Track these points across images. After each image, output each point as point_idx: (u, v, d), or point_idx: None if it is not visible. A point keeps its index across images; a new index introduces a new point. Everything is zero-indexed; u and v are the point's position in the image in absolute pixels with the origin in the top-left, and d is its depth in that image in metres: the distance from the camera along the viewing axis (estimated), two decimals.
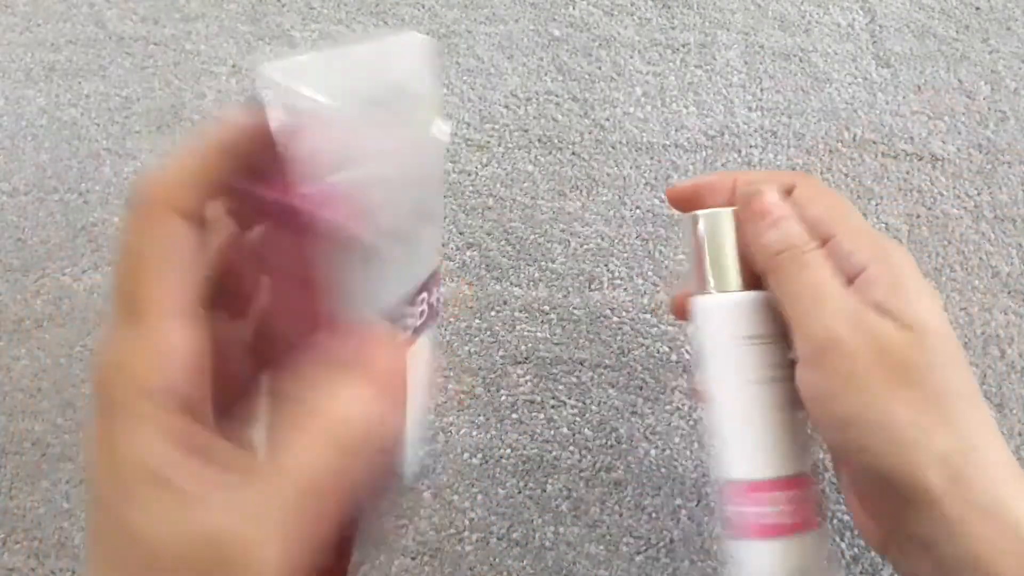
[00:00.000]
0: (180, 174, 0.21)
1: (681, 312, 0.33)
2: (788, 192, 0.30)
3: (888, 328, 0.26)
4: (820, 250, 0.28)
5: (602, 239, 0.47)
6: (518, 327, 0.45)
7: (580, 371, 0.43)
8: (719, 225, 0.31)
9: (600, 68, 0.53)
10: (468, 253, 0.47)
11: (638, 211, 0.48)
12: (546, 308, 0.45)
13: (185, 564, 0.18)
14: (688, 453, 0.41)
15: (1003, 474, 0.25)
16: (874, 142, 0.50)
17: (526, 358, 0.44)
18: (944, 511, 0.24)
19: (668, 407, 0.42)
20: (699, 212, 0.31)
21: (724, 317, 0.30)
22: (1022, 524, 0.24)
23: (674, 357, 0.44)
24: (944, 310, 0.29)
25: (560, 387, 0.43)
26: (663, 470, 0.41)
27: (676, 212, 0.35)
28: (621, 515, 0.40)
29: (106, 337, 0.20)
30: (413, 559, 0.39)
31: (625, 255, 0.47)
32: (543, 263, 0.47)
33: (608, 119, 0.51)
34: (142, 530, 0.18)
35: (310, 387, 0.20)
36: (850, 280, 0.28)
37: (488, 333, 0.44)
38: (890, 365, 0.25)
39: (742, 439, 0.29)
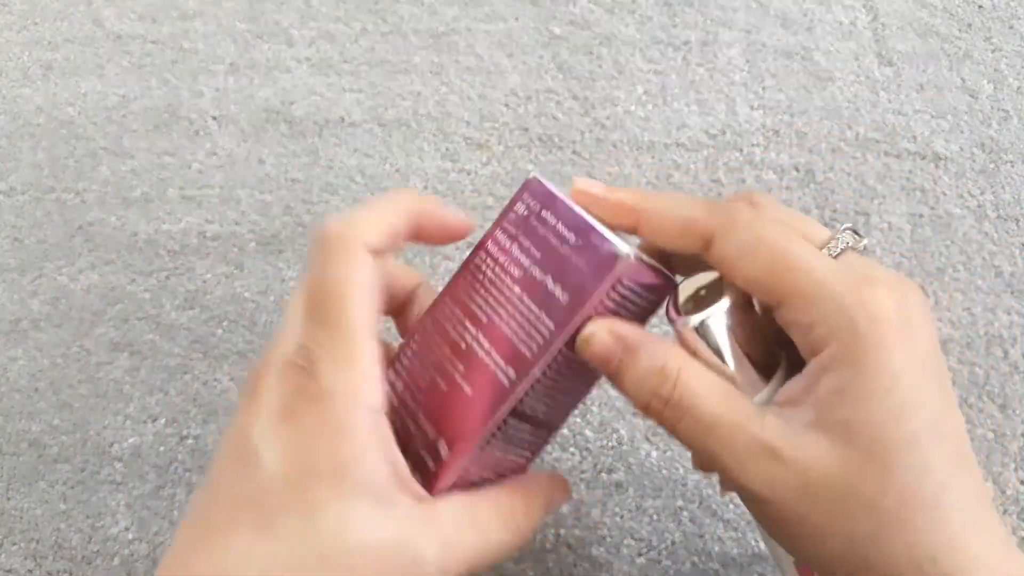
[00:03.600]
0: (375, 221, 0.25)
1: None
2: (707, 246, 0.24)
3: (821, 450, 0.22)
4: (685, 377, 0.23)
5: None
6: None
7: None
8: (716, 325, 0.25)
9: (601, 66, 0.53)
10: (468, 253, 0.46)
11: None
12: None
13: (376, 558, 0.22)
14: (689, 454, 0.41)
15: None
16: (877, 141, 0.50)
17: None
18: None
19: None
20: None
21: None
22: None
23: None
24: (943, 351, 0.25)
25: None
26: (664, 472, 0.41)
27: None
28: (622, 517, 0.40)
29: (306, 344, 0.23)
30: None
31: None
32: None
33: (609, 118, 0.51)
34: (356, 537, 0.22)
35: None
36: (812, 354, 0.23)
37: None
38: (826, 503, 0.22)
39: None
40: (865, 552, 0.21)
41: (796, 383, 0.23)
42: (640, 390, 0.24)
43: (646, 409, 0.24)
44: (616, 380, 0.25)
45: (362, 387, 0.23)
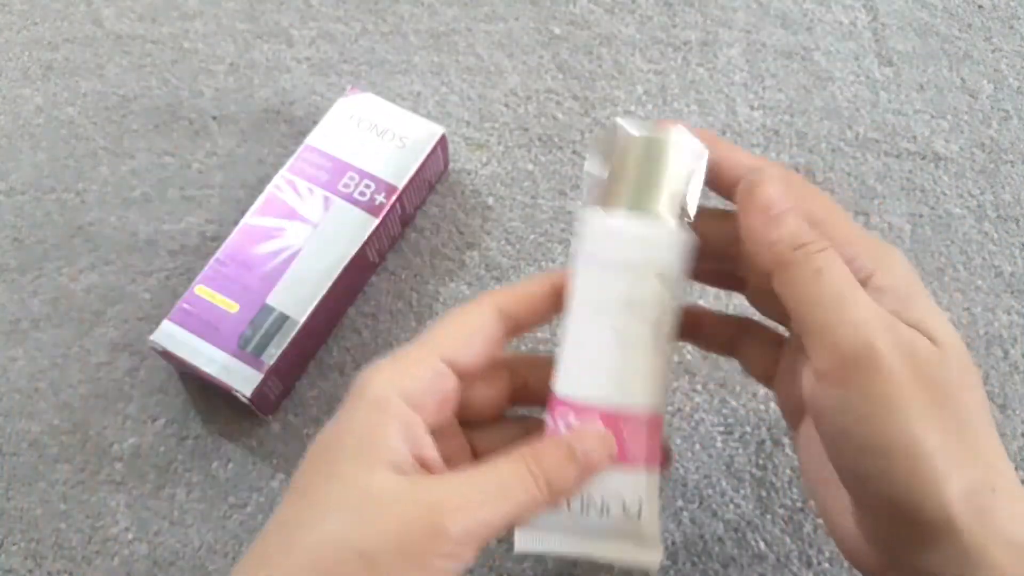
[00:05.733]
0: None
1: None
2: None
3: (923, 343, 0.24)
4: (834, 251, 0.25)
5: None
6: None
7: None
8: (661, 151, 0.28)
9: (601, 66, 0.53)
10: (468, 253, 0.46)
11: None
12: None
13: (405, 527, 0.23)
14: (690, 455, 0.41)
15: (1022, 507, 0.24)
16: (877, 141, 0.50)
17: None
18: (966, 544, 0.23)
19: (669, 408, 0.42)
20: (642, 135, 0.28)
21: (633, 242, 0.27)
22: None
23: (675, 358, 0.43)
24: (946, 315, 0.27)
25: None
26: (664, 472, 0.41)
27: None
28: None
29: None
30: None
31: None
32: (543, 263, 0.46)
33: (609, 117, 0.51)
34: (380, 489, 0.24)
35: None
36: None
37: None
38: (925, 385, 0.23)
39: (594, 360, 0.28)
40: (956, 442, 0.23)
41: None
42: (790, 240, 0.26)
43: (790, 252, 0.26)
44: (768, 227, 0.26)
45: (398, 380, 0.26)
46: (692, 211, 0.28)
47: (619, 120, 0.29)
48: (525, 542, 0.28)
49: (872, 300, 0.25)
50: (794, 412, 0.30)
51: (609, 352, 0.27)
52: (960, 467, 0.23)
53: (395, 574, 0.23)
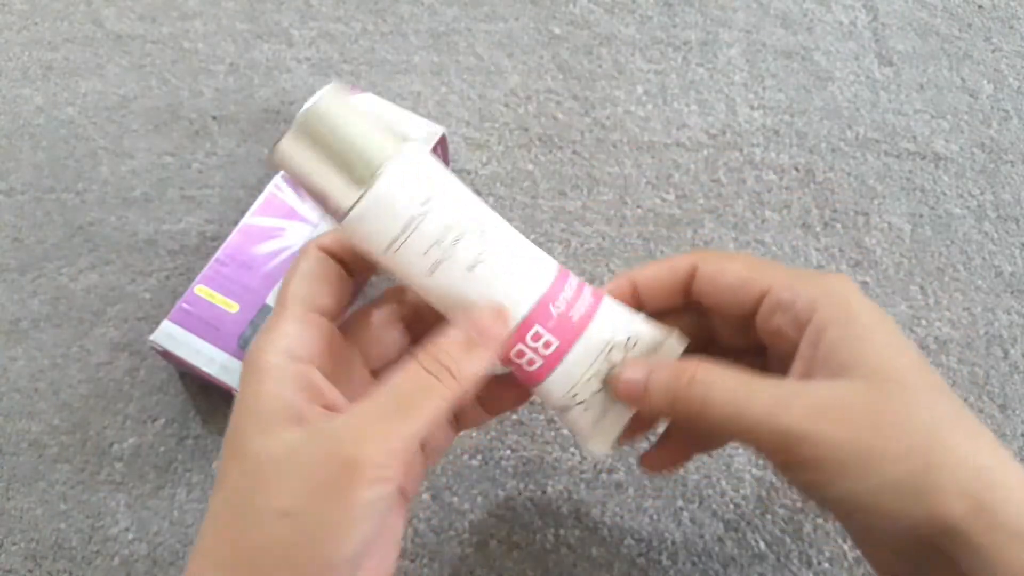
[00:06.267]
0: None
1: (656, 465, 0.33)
2: (691, 275, 0.29)
3: (839, 391, 0.25)
4: (703, 365, 0.26)
5: (603, 238, 0.47)
6: None
7: None
8: (337, 114, 0.25)
9: (601, 66, 0.53)
10: None
11: (639, 210, 0.48)
12: None
13: (313, 471, 0.23)
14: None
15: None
16: (877, 141, 0.50)
17: None
18: (971, 540, 0.23)
19: None
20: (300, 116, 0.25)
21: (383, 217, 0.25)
22: None
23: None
24: (905, 331, 0.27)
25: None
26: (664, 472, 0.41)
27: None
28: (622, 517, 0.40)
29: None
30: (412, 561, 0.39)
31: (626, 255, 0.47)
32: None
33: (609, 117, 0.51)
34: (280, 448, 0.24)
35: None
36: (801, 327, 0.26)
37: None
38: (855, 427, 0.24)
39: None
40: (924, 466, 0.23)
41: (803, 354, 0.26)
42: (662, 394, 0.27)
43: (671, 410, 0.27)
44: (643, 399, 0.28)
45: (274, 342, 0.26)
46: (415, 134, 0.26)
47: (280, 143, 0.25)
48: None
49: (756, 380, 0.26)
50: None
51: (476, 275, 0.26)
52: (952, 466, 0.24)
53: (323, 520, 0.23)
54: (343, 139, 0.25)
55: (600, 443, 0.29)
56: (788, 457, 0.25)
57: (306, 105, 0.25)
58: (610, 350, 0.28)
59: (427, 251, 0.26)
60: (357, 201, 0.25)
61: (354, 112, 0.26)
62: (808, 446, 0.24)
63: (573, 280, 0.28)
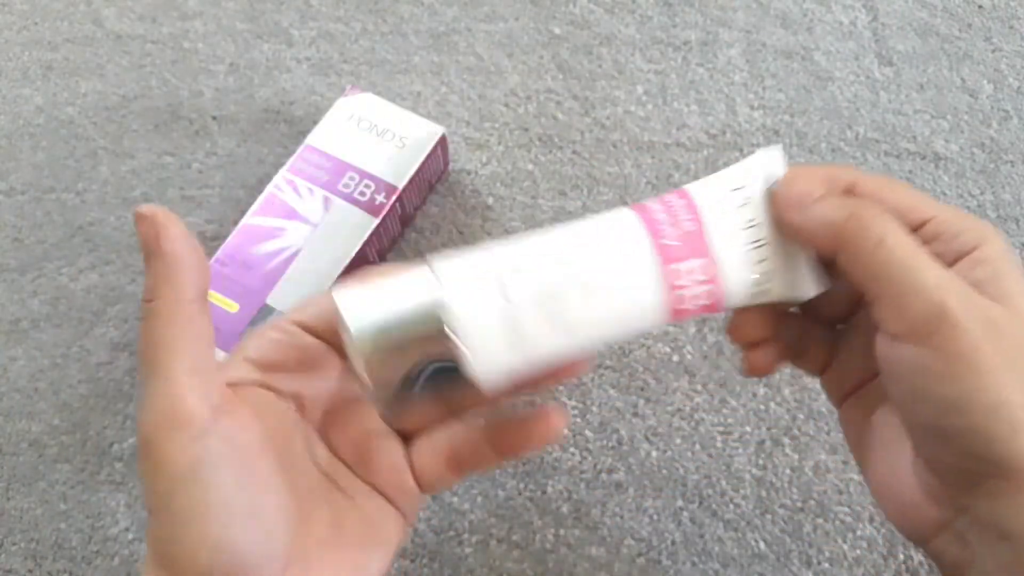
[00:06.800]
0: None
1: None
2: (848, 191, 0.28)
3: (995, 308, 0.25)
4: (888, 214, 0.26)
5: None
6: None
7: None
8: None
9: (601, 66, 0.53)
10: None
11: None
12: None
13: (161, 420, 0.24)
14: (689, 455, 0.41)
15: None
16: (877, 141, 0.50)
17: None
18: None
19: (669, 408, 0.42)
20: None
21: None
22: None
23: (675, 358, 0.43)
24: None
25: (560, 388, 0.43)
26: (664, 472, 0.41)
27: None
28: (622, 517, 0.40)
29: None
30: (412, 561, 0.39)
31: None
32: None
33: (609, 117, 0.51)
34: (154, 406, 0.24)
35: None
36: (954, 261, 0.26)
37: None
38: (999, 346, 0.24)
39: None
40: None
41: (960, 271, 0.26)
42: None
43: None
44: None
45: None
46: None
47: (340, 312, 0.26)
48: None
49: (937, 262, 0.25)
50: (843, 390, 0.31)
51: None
52: None
53: (160, 449, 0.24)
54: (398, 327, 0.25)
55: (809, 288, 0.28)
56: (925, 337, 0.24)
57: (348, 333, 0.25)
58: (745, 223, 0.27)
59: (546, 321, 0.25)
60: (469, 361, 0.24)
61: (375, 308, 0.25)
62: (956, 334, 0.24)
63: (652, 204, 0.27)
